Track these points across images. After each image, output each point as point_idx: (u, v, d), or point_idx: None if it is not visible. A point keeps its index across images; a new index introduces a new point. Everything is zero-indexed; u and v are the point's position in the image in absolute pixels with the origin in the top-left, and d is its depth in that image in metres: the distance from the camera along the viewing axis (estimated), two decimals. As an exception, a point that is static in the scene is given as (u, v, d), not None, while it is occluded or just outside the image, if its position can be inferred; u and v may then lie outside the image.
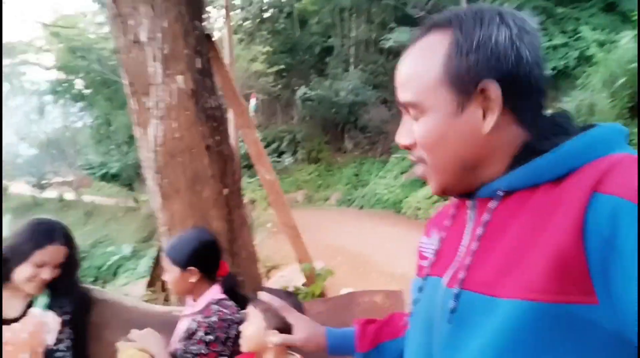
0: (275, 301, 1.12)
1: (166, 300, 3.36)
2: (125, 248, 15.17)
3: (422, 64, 0.67)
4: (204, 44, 2.83)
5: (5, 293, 1.59)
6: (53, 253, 1.57)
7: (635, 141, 6.93)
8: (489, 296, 0.59)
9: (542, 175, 0.59)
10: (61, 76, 18.69)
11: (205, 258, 1.61)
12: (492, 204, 0.65)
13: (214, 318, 1.48)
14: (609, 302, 0.49)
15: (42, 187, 24.30)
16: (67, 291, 1.68)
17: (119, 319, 1.93)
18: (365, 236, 9.51)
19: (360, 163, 18.02)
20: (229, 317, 1.50)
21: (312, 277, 3.10)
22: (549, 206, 0.56)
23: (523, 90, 0.63)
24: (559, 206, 0.55)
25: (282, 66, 18.55)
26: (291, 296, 1.46)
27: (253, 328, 1.35)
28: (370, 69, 18.36)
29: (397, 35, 14.33)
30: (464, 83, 0.64)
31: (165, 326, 1.76)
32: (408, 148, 0.72)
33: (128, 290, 4.53)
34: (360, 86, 17.39)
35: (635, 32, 7.24)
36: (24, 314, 1.58)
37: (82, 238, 18.61)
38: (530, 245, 0.56)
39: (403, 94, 0.70)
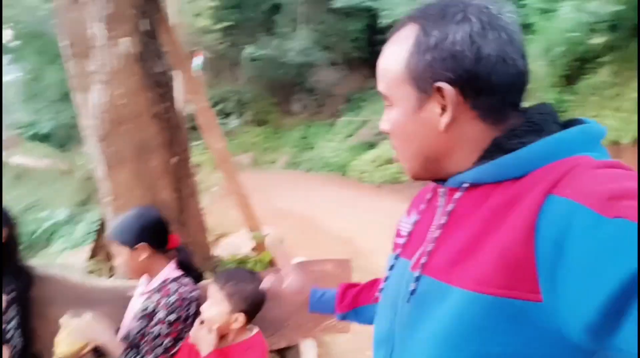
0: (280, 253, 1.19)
1: (111, 271, 3.28)
2: (59, 213, 14.41)
3: (391, 59, 0.70)
4: (150, 4, 2.66)
5: None
6: None
7: (568, 108, 7.39)
8: (443, 283, 0.62)
9: (504, 172, 0.61)
10: (-16, 26, 16.86)
11: (153, 233, 1.58)
12: (456, 195, 0.68)
13: (174, 297, 1.46)
14: (553, 302, 0.50)
15: (-37, 146, 22.31)
16: (9, 270, 1.63)
17: (65, 296, 1.89)
18: (313, 199, 9.64)
19: (308, 125, 17.94)
20: (189, 295, 1.50)
21: (262, 245, 3.14)
22: (507, 203, 0.58)
23: (483, 88, 0.63)
24: (516, 204, 0.57)
25: (229, 23, 17.76)
26: (253, 275, 1.49)
27: (216, 310, 1.37)
28: (320, 30, 18.00)
29: (348, -4, 14.05)
30: (422, 81, 0.65)
31: (114, 301, 1.75)
32: (387, 134, 0.74)
33: (68, 260, 4.36)
34: (309, 47, 17.06)
35: (576, 2, 7.47)
36: None
37: (12, 203, 17.40)
38: (485, 238, 0.58)
39: (379, 85, 0.73)
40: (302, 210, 8.42)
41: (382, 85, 0.72)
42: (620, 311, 0.43)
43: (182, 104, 3.23)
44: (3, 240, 1.55)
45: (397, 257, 0.79)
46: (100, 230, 3.44)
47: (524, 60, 0.65)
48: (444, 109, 0.65)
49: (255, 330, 1.52)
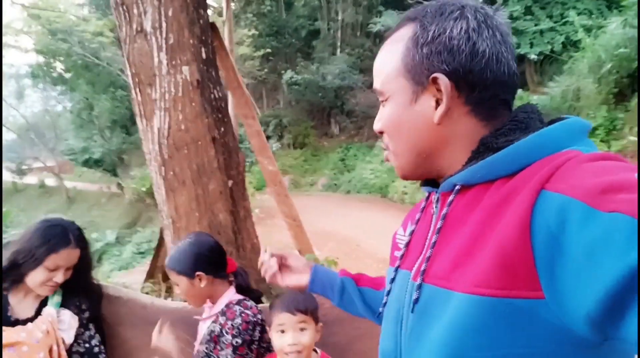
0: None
1: (167, 292, 3.34)
2: (109, 235, 15.00)
3: (388, 56, 0.71)
4: (209, 33, 2.77)
5: (17, 295, 1.56)
6: (67, 256, 1.53)
7: (619, 126, 7.10)
8: (445, 289, 0.61)
9: (495, 171, 0.61)
10: (40, 59, 18.12)
11: (209, 260, 1.57)
12: (450, 198, 0.66)
13: (239, 321, 1.46)
14: (554, 297, 0.50)
15: (22, 173, 23.72)
16: (81, 290, 1.67)
17: (134, 316, 1.92)
18: (354, 221, 9.58)
19: (347, 147, 18.07)
20: (253, 319, 1.49)
21: (315, 267, 3.12)
22: (500, 202, 0.57)
23: (477, 83, 0.64)
24: (509, 202, 0.56)
25: (268, 50, 18.31)
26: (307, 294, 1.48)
27: (308, 336, 1.39)
28: (357, 53, 18.28)
29: (385, 19, 14.20)
30: (417, 74, 0.66)
31: (182, 322, 1.76)
32: (381, 133, 0.75)
33: (125, 281, 4.49)
34: (347, 70, 17.31)
35: (624, 18, 7.29)
36: (37, 314, 1.56)
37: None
38: (481, 239, 0.57)
39: (374, 83, 0.74)
40: (345, 232, 8.37)
41: (377, 81, 0.73)
42: (621, 303, 0.43)
43: (236, 128, 3.30)
44: (77, 261, 1.59)
45: (396, 269, 0.77)
46: (157, 251, 3.53)
47: (514, 62, 0.67)
48: (438, 102, 0.65)
49: (319, 350, 1.51)
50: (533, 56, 11.13)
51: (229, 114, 3.01)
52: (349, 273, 1.11)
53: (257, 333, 1.47)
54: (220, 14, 14.48)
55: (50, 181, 23.38)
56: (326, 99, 18.18)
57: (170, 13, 2.50)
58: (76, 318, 1.61)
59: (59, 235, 1.52)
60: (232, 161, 2.89)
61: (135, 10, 2.48)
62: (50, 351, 1.50)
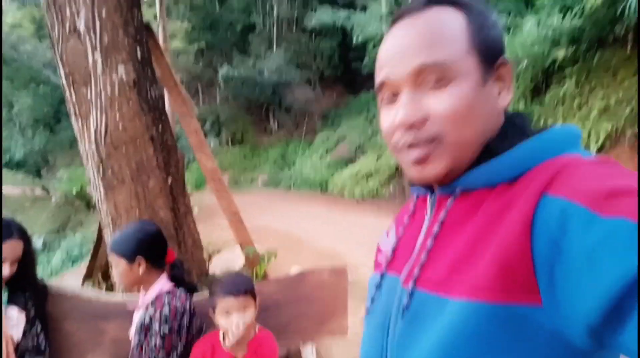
0: None
1: (108, 291, 3.32)
2: (35, 241, 14.08)
3: (446, 30, 0.62)
4: (143, 33, 2.80)
5: None
6: (10, 248, 1.57)
7: (536, 118, 7.75)
8: (439, 296, 0.59)
9: (497, 176, 0.60)
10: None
11: (151, 247, 1.63)
12: (449, 202, 0.65)
13: (166, 310, 1.51)
14: (553, 304, 0.49)
15: None
16: (26, 286, 1.70)
17: (80, 311, 1.96)
18: (295, 216, 9.70)
19: (286, 143, 18.12)
20: (180, 307, 1.54)
21: (255, 260, 3.23)
22: (501, 207, 0.57)
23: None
24: (510, 207, 0.55)
25: (203, 44, 17.91)
26: (244, 276, 1.63)
27: (250, 315, 1.52)
28: (294, 49, 18.35)
29: (320, 15, 14.40)
30: (488, 55, 0.63)
31: (127, 316, 1.82)
32: (412, 127, 0.64)
33: (60, 283, 4.33)
34: (284, 66, 17.32)
35: (538, 17, 7.86)
36: None
37: (-16, 231, 16.85)
38: (480, 244, 0.56)
39: (424, 57, 0.62)
40: (286, 227, 8.47)
41: (434, 56, 0.61)
42: (621, 312, 0.42)
43: (173, 126, 3.34)
44: (20, 254, 1.62)
45: (383, 275, 0.74)
46: (96, 250, 3.49)
47: None
48: (500, 86, 0.65)
49: (257, 325, 1.65)
50: None
51: (167, 113, 3.05)
52: None
53: (185, 321, 1.54)
54: (150, 5, 14.00)
55: (-35, 185, 21.42)
56: (264, 95, 18.12)
57: (104, 13, 2.51)
58: (23, 314, 1.65)
59: (2, 227, 1.56)
60: (171, 159, 2.94)
61: (68, 11, 2.47)
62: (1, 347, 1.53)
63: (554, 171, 0.54)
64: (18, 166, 17.28)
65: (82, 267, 7.49)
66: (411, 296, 0.63)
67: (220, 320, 1.51)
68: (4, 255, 1.56)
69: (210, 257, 4.35)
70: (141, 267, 1.59)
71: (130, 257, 1.58)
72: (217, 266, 4.02)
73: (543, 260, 0.49)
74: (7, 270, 1.57)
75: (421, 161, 0.64)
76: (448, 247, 0.61)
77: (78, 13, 2.46)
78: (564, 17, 7.03)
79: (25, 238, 1.66)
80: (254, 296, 1.56)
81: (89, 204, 14.24)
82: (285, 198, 13.08)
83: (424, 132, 0.63)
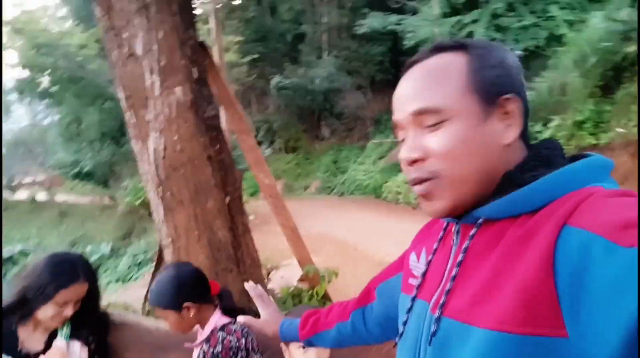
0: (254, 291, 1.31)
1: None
2: (103, 247, 14.90)
3: (442, 75, 0.67)
4: (199, 53, 2.79)
5: (27, 329, 1.58)
6: (76, 291, 1.56)
7: (607, 119, 7.21)
8: (465, 324, 0.60)
9: (519, 206, 0.61)
10: (25, 73, 17.98)
11: (193, 288, 1.57)
12: (472, 231, 0.66)
13: (219, 348, 1.47)
14: (578, 335, 0.49)
15: (12, 189, 23.46)
16: (89, 320, 1.69)
17: (141, 341, 1.94)
18: (349, 223, 9.60)
19: (338, 149, 18.09)
20: (235, 344, 1.50)
21: (316, 279, 3.14)
22: (524, 238, 0.57)
23: (527, 111, 0.67)
24: (532, 238, 0.56)
25: (255, 55, 18.29)
26: None
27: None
28: (344, 55, 18.31)
29: (370, 21, 14.26)
30: (488, 93, 0.65)
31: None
32: (414, 163, 0.68)
33: (125, 299, 4.48)
34: (334, 73, 17.33)
35: (605, 11, 7.38)
36: (48, 346, 1.58)
37: (58, 239, 18.12)
38: (504, 274, 0.57)
39: (420, 102, 0.67)
40: (341, 235, 8.39)
41: (429, 100, 0.66)
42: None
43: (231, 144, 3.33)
44: (84, 294, 1.61)
45: (414, 299, 0.76)
46: (156, 268, 3.54)
47: None
48: (504, 125, 0.66)
49: None
50: (518, 52, 11.24)
51: (223, 132, 3.04)
52: (306, 331, 1.15)
53: (240, 357, 1.49)
54: (205, 22, 14.50)
55: (41, 196, 23.13)
56: (315, 102, 18.21)
57: (160, 36, 2.52)
58: (85, 349, 1.64)
59: (68, 270, 1.55)
60: (229, 178, 2.92)
61: (125, 34, 2.50)
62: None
63: (576, 202, 0.54)
64: (87, 177, 18.39)
65: (146, 277, 7.78)
66: (438, 323, 0.65)
67: (296, 354, 1.43)
68: (68, 298, 1.54)
69: (268, 273, 4.31)
70: (191, 311, 1.54)
71: (176, 307, 1.52)
72: (276, 282, 3.96)
73: (566, 291, 0.50)
74: (70, 311, 1.56)
75: (426, 197, 0.69)
76: (472, 276, 0.63)
77: (135, 36, 2.49)
78: (637, 9, 6.48)
79: (91, 279, 1.64)
80: None
81: (152, 213, 14.87)
82: (339, 205, 13.02)
83: (424, 169, 0.68)
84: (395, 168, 13.59)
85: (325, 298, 3.25)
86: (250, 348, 1.54)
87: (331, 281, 2.87)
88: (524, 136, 0.68)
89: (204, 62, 2.84)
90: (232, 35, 17.51)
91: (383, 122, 17.82)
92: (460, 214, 0.69)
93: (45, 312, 1.52)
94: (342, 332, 1.09)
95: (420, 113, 0.67)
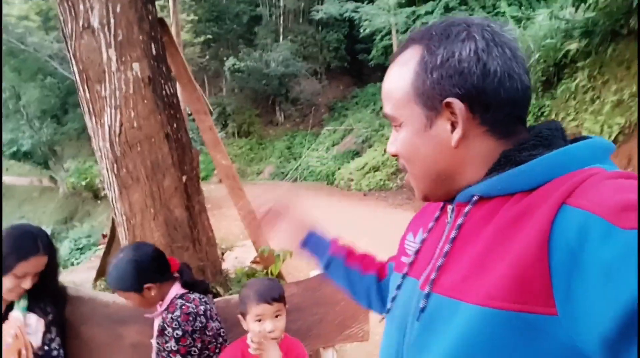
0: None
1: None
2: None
3: (396, 80, 0.70)
4: (158, 29, 2.75)
5: None
6: (36, 264, 1.54)
7: (547, 112, 7.66)
8: (454, 300, 0.60)
9: (515, 184, 0.60)
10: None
11: (153, 269, 1.59)
12: (466, 208, 0.66)
13: (178, 313, 1.51)
14: (568, 315, 0.49)
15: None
16: (46, 293, 1.68)
17: (97, 314, 1.94)
18: (302, 209, 9.67)
19: (292, 135, 18.10)
20: (193, 310, 1.54)
21: (270, 259, 3.21)
22: (519, 216, 0.57)
23: (491, 103, 0.63)
24: (528, 216, 0.56)
25: (209, 36, 17.84)
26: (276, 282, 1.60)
27: (281, 323, 1.49)
28: (301, 40, 18.25)
29: (327, 7, 14.30)
30: (430, 99, 0.65)
31: (143, 319, 1.80)
32: (396, 156, 0.74)
33: (71, 279, 4.34)
34: (290, 57, 17.24)
35: (550, 10, 7.75)
36: (4, 318, 1.57)
37: (-7, 222, 17.02)
38: (497, 252, 0.57)
39: (384, 107, 0.73)
40: (293, 220, 8.45)
41: (388, 106, 0.72)
42: (637, 325, 0.42)
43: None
44: (44, 267, 1.60)
45: (404, 276, 0.76)
46: (109, 247, 3.47)
47: (527, 76, 0.66)
48: (453, 125, 0.65)
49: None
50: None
51: (181, 110, 3.01)
52: (338, 248, 1.07)
53: (198, 323, 1.53)
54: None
55: (-26, 176, 21.57)
56: (270, 86, 18.05)
57: (118, 9, 2.46)
58: (42, 321, 1.63)
59: (28, 243, 1.53)
60: (186, 157, 2.91)
61: (81, 6, 2.42)
62: (19, 355, 1.52)
63: (575, 182, 0.54)
64: (26, 156, 17.37)
65: (92, 261, 7.53)
66: (427, 299, 0.65)
67: (253, 327, 1.48)
68: (27, 270, 1.53)
69: (222, 254, 4.33)
70: (152, 291, 1.57)
71: (138, 289, 1.54)
72: (230, 263, 3.99)
73: (560, 270, 0.49)
74: (28, 284, 1.54)
75: (408, 184, 0.76)
76: (465, 252, 0.63)
77: (92, 9, 2.41)
78: (577, 9, 6.91)
79: (51, 252, 1.63)
80: (285, 302, 1.53)
81: (97, 196, 14.31)
82: (292, 190, 13.06)
83: (400, 162, 0.75)
84: (348, 155, 13.81)
85: (280, 277, 3.34)
86: (209, 315, 1.59)
87: (285, 260, 2.96)
88: (522, 120, 0.67)
89: (162, 39, 2.79)
90: (185, 13, 16.94)
91: (337, 109, 17.98)
92: (448, 199, 0.71)
93: (4, 284, 1.50)
94: (355, 281, 1.04)
95: (386, 116, 0.74)
